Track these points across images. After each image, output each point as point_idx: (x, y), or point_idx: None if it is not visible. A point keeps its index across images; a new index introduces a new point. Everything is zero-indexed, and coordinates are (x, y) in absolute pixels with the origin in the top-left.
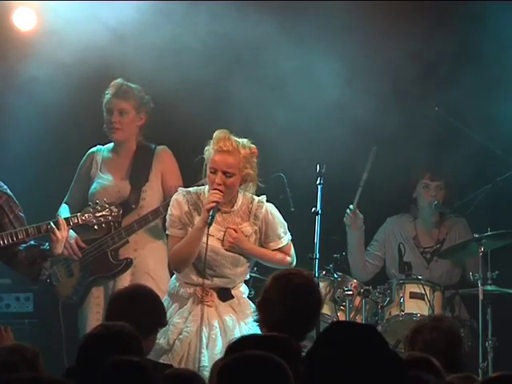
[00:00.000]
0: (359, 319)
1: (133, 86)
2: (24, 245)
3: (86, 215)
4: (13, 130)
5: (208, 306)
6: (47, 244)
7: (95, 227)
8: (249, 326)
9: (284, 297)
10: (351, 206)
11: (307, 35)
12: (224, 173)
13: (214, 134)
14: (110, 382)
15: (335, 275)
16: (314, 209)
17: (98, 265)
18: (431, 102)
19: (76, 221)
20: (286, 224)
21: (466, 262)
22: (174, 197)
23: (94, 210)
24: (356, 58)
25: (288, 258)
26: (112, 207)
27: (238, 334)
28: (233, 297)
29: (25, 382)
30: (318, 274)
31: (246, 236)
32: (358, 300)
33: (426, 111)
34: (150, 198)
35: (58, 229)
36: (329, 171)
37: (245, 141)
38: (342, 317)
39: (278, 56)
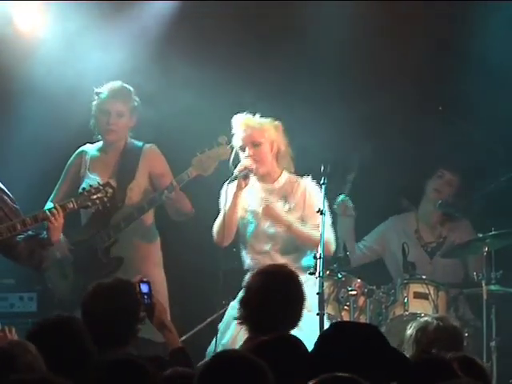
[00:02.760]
0: (363, 319)
1: (130, 88)
2: (22, 236)
3: (82, 198)
4: (15, 128)
5: None
6: (45, 232)
7: (92, 210)
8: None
9: (266, 291)
10: (342, 196)
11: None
12: (251, 144)
13: (233, 120)
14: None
15: (339, 275)
16: (318, 208)
17: (90, 265)
18: (434, 101)
19: (71, 206)
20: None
21: (469, 262)
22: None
23: (89, 193)
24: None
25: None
26: (107, 188)
27: None
28: None
29: (34, 382)
30: (323, 274)
31: (289, 210)
32: (361, 300)
33: (430, 111)
34: (136, 196)
35: (54, 215)
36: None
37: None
38: (345, 316)
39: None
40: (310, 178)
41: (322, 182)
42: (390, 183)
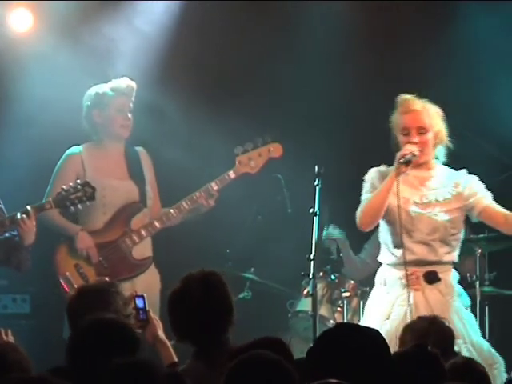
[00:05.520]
0: (356, 320)
1: (134, 84)
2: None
3: (60, 198)
4: (4, 128)
5: (415, 289)
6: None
7: (72, 208)
8: (456, 309)
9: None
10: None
11: None
12: (417, 130)
13: (398, 100)
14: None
15: (332, 276)
16: (311, 210)
17: (119, 267)
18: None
19: (49, 206)
20: (488, 192)
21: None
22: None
23: (67, 193)
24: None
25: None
26: (86, 187)
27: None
28: (439, 279)
29: (32, 381)
30: (316, 275)
31: (444, 200)
32: (355, 301)
33: None
34: (151, 198)
35: (23, 220)
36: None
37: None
38: (339, 318)
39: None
40: (465, 170)
41: (316, 183)
42: None
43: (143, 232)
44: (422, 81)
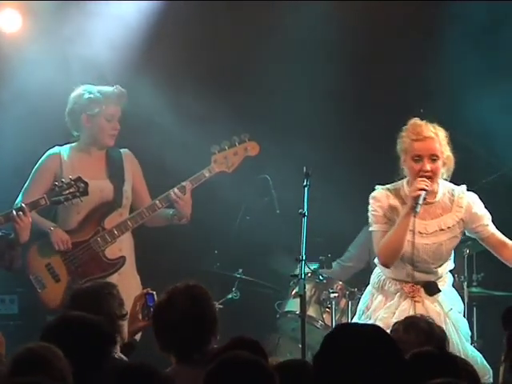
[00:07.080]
0: (344, 321)
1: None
2: None
3: (54, 194)
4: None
5: (416, 301)
6: (13, 233)
7: (65, 203)
8: (454, 321)
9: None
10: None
11: None
12: (429, 158)
13: (410, 124)
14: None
15: (321, 277)
16: (300, 210)
17: (91, 266)
18: (414, 102)
19: (44, 202)
20: (489, 214)
21: None
22: (373, 194)
23: (61, 189)
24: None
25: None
26: (79, 183)
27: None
28: (439, 290)
29: None
30: (304, 276)
31: (448, 228)
32: (343, 302)
33: (411, 112)
34: (130, 198)
35: (20, 216)
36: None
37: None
38: (327, 318)
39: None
40: (464, 186)
41: (304, 184)
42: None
43: (116, 231)
44: (412, 81)
